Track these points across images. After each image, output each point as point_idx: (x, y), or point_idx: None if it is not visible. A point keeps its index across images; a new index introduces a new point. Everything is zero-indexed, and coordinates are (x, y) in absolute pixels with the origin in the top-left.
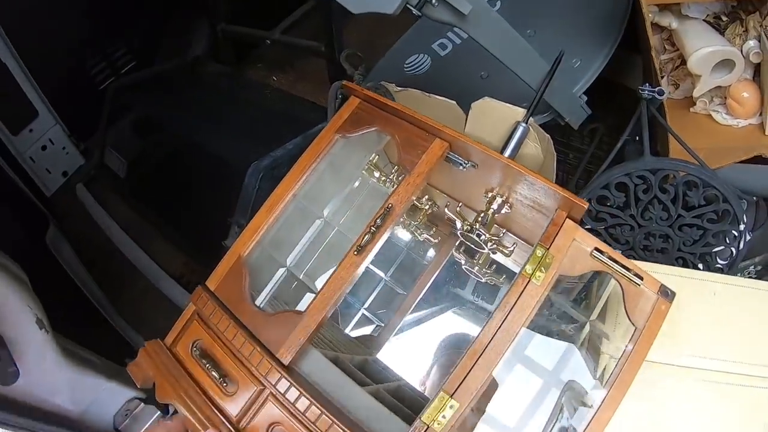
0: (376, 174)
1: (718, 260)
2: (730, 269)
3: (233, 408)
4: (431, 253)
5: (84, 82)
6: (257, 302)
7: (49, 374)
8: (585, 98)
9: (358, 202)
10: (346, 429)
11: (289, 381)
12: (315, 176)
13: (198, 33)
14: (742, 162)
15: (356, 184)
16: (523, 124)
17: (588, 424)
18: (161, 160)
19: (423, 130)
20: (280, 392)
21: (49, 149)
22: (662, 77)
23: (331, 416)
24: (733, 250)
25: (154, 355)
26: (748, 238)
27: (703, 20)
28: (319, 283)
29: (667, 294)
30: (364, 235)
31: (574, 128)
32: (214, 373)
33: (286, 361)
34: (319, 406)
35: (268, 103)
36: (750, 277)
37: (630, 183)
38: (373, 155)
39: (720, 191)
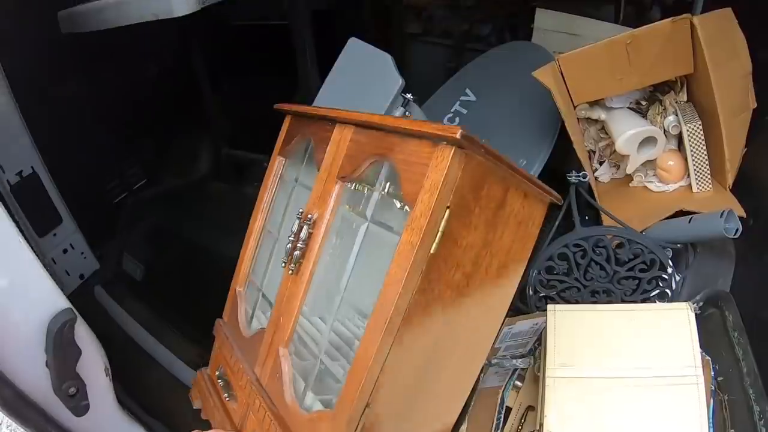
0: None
1: (657, 302)
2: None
3: (238, 417)
4: None
5: (101, 195)
6: (252, 326)
7: (107, 416)
8: None
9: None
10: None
11: (258, 391)
12: (274, 201)
13: (203, 155)
14: (668, 218)
15: (294, 195)
16: None
17: None
18: (174, 264)
19: (328, 122)
20: (252, 404)
21: (69, 253)
22: (603, 161)
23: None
24: (668, 291)
25: (198, 381)
26: (677, 278)
27: (627, 107)
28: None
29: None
30: (293, 252)
31: None
32: (226, 388)
33: (258, 374)
34: (274, 416)
35: None
36: (696, 313)
37: (569, 252)
38: (303, 163)
39: (643, 245)
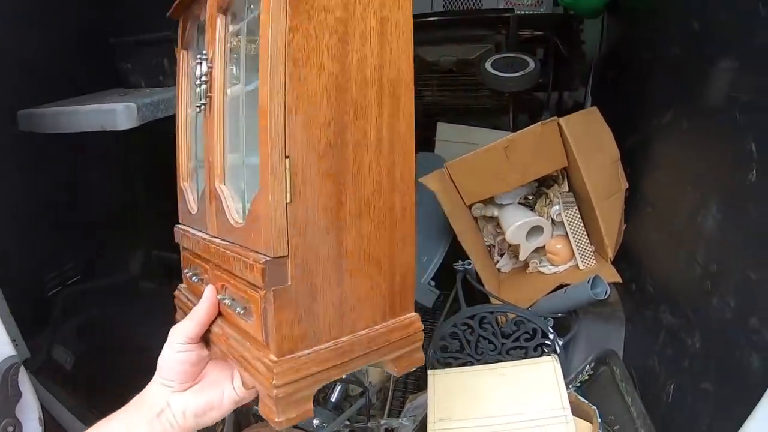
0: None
1: None
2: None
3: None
4: None
5: (36, 288)
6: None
7: None
8: (433, 283)
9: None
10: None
11: (210, 240)
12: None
13: (135, 255)
14: (552, 291)
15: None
16: None
17: None
18: (104, 356)
19: None
20: (210, 258)
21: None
22: (503, 253)
23: (233, 244)
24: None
25: (178, 300)
26: (560, 343)
27: (517, 203)
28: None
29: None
30: (199, 90)
31: (428, 307)
32: (195, 278)
33: (210, 230)
34: (226, 243)
35: None
36: (587, 373)
37: (458, 330)
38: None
39: (524, 316)
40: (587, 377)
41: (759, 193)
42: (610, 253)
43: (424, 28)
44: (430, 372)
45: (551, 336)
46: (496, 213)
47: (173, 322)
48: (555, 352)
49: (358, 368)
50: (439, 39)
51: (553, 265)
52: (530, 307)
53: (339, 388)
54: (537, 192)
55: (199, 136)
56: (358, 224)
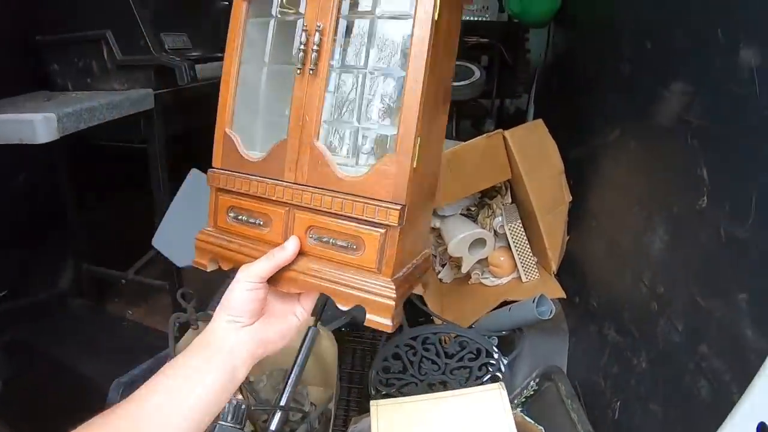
0: (290, 12)
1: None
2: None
3: (276, 236)
4: None
5: None
6: (255, 154)
7: None
8: None
9: (287, 38)
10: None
11: (300, 188)
12: (245, 43)
13: (65, 271)
14: (497, 308)
15: (276, 29)
16: (313, 327)
17: None
18: (34, 380)
19: None
20: (299, 203)
21: None
22: (444, 264)
23: (343, 193)
24: (499, 374)
25: (204, 243)
26: (505, 362)
27: (459, 214)
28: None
29: None
30: (308, 55)
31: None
32: (250, 221)
33: (291, 178)
34: (332, 192)
35: (123, 332)
36: (532, 389)
37: (401, 351)
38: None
39: (467, 336)
40: (532, 392)
41: (710, 219)
42: (554, 267)
43: None
44: (372, 402)
45: (496, 355)
46: (437, 224)
47: (104, 346)
48: (500, 371)
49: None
50: None
51: (495, 277)
52: (474, 324)
53: (279, 415)
54: (480, 203)
55: (269, 91)
56: (425, 185)
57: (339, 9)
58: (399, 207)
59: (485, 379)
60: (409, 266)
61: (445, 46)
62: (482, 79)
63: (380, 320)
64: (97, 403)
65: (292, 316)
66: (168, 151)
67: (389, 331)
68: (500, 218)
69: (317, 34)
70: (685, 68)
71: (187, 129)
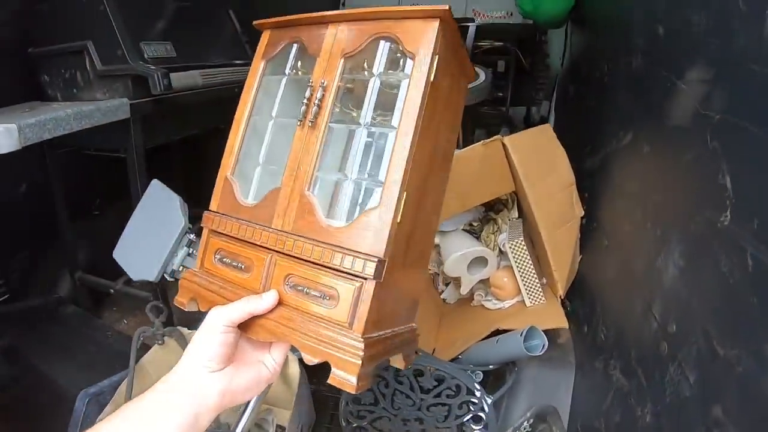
0: (301, 72)
1: (473, 427)
2: (487, 429)
3: (254, 283)
4: None
5: None
6: (249, 201)
7: None
8: None
9: (296, 94)
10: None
11: (284, 235)
12: (259, 96)
13: (61, 278)
14: (486, 338)
15: (287, 86)
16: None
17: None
18: (17, 388)
19: (321, 24)
20: (281, 249)
21: None
22: (448, 283)
23: (324, 243)
24: (482, 414)
25: (188, 282)
26: (489, 401)
27: (461, 230)
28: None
29: None
30: (309, 109)
31: None
32: (233, 263)
33: (278, 225)
34: (313, 241)
35: (108, 343)
36: (525, 430)
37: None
38: (292, 59)
39: (446, 371)
40: None
41: (733, 239)
42: (561, 290)
43: None
44: None
45: (478, 393)
46: (437, 240)
47: (85, 355)
48: (483, 410)
49: (394, 355)
50: None
51: (498, 299)
52: (462, 353)
53: None
54: (484, 218)
55: (272, 142)
56: (412, 248)
57: (344, 69)
58: (377, 260)
59: (466, 419)
60: (386, 331)
61: (444, 111)
62: (488, 83)
63: (344, 377)
64: (66, 413)
65: (263, 366)
66: (148, 160)
67: (353, 391)
68: (505, 235)
69: (320, 89)
70: (702, 50)
71: (168, 139)
